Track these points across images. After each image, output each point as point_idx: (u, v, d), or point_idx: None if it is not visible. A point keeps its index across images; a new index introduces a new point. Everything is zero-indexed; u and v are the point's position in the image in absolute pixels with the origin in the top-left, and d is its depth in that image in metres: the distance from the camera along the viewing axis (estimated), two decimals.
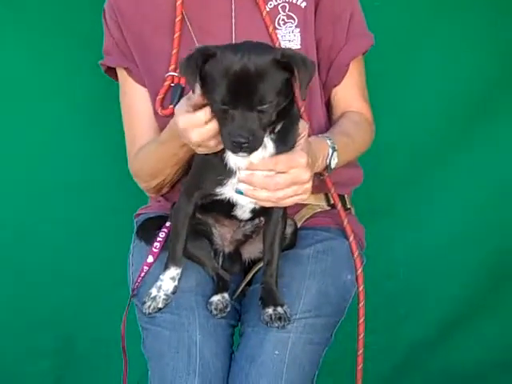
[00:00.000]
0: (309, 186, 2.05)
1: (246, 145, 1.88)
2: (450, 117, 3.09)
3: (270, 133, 1.99)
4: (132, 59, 2.44)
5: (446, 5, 3.03)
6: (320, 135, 2.24)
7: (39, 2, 3.05)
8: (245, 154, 1.92)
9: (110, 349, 3.23)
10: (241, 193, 2.03)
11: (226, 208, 2.13)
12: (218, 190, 2.07)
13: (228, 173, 2.04)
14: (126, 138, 2.52)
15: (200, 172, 2.10)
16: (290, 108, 1.98)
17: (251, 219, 2.20)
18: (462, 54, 3.05)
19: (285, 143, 2.01)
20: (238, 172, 2.03)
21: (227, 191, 2.07)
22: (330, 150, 2.22)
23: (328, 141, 2.22)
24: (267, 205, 2.06)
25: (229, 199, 2.09)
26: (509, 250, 3.14)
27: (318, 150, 2.15)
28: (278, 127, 2.00)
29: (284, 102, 1.93)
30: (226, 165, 2.03)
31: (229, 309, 2.21)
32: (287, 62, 1.90)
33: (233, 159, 2.03)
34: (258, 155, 2.00)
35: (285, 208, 2.17)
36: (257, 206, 2.10)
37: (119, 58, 2.47)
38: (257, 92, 1.87)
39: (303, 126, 2.04)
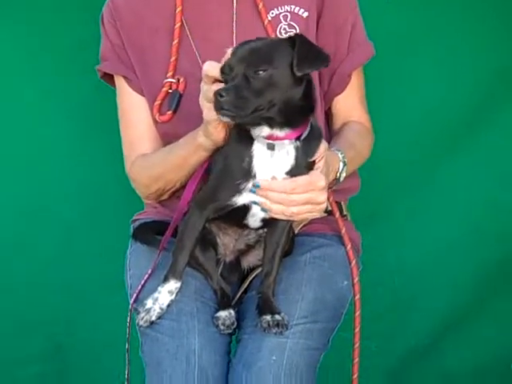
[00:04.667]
0: (324, 206, 2.08)
1: (223, 99, 1.88)
2: (447, 125, 3.10)
3: (296, 139, 2.01)
4: (130, 66, 2.44)
5: (443, 13, 3.05)
6: (332, 149, 2.24)
7: (36, 8, 3.05)
8: (227, 114, 1.91)
9: (100, 355, 3.23)
10: (253, 191, 2.03)
11: (239, 216, 2.13)
12: (235, 199, 2.06)
13: (246, 177, 2.03)
14: (123, 144, 2.52)
15: (218, 181, 2.09)
16: (301, 103, 1.98)
17: (261, 228, 2.20)
18: (460, 60, 3.07)
19: (306, 154, 2.03)
20: (255, 174, 2.03)
21: (243, 199, 2.06)
22: (341, 165, 2.24)
23: (340, 155, 2.24)
24: (280, 217, 2.07)
25: (243, 207, 2.08)
26: (504, 258, 3.15)
27: (331, 165, 2.17)
28: (304, 135, 2.01)
29: (289, 86, 1.94)
30: (245, 168, 2.03)
31: (235, 325, 2.21)
32: (293, 39, 1.95)
33: (257, 161, 2.03)
34: (280, 159, 2.02)
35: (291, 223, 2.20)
36: (267, 216, 2.10)
37: (117, 64, 2.46)
38: (250, 60, 1.93)
39: (324, 147, 2.06)
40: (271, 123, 1.98)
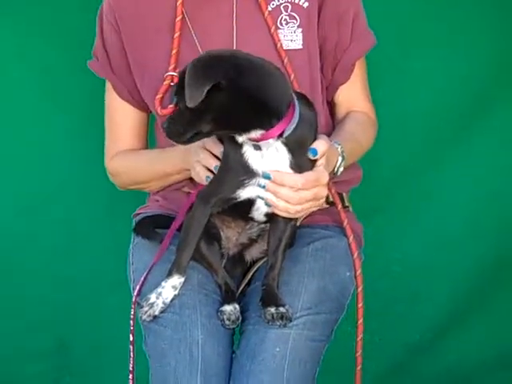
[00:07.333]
0: (323, 200, 2.12)
1: (165, 130, 2.02)
2: (449, 116, 3.09)
3: (278, 136, 1.99)
4: (118, 71, 2.46)
5: (445, 2, 3.04)
6: (332, 141, 2.22)
7: (32, 3, 3.05)
8: (173, 140, 2.03)
9: (104, 350, 3.23)
10: (263, 186, 2.04)
11: (244, 210, 2.12)
12: (239, 191, 2.06)
13: (250, 174, 2.04)
14: (105, 135, 2.56)
15: (221, 177, 2.09)
16: (243, 108, 1.94)
17: (265, 222, 2.20)
18: (461, 52, 3.05)
19: (301, 147, 2.03)
20: (259, 173, 2.04)
21: (248, 193, 2.07)
22: (340, 158, 2.24)
23: (339, 149, 2.24)
24: (283, 215, 2.09)
25: (248, 200, 2.08)
26: (506, 251, 3.15)
27: (330, 160, 2.17)
28: (289, 129, 1.98)
29: (207, 106, 1.92)
30: (247, 166, 2.04)
31: (240, 320, 2.22)
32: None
33: (252, 161, 2.04)
34: (271, 157, 2.02)
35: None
36: (269, 211, 2.10)
37: (104, 66, 2.48)
38: (175, 92, 2.02)
39: (327, 143, 2.07)
40: (233, 132, 2.00)
